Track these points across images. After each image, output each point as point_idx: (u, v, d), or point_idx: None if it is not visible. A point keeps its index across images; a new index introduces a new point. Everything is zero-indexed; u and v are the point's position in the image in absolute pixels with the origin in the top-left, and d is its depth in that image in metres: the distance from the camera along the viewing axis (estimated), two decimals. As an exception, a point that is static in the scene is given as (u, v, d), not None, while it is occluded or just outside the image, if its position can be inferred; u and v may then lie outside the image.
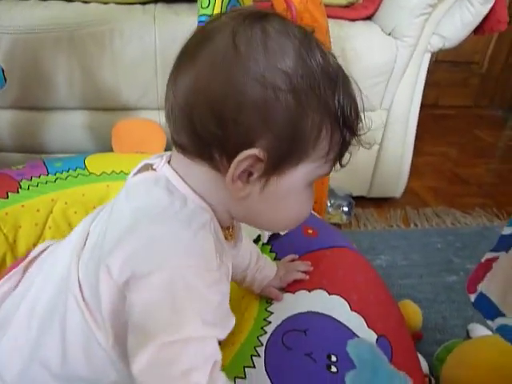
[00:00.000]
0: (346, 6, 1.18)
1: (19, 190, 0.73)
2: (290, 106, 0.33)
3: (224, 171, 0.35)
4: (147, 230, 0.34)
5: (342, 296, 0.54)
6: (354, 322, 0.50)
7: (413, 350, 0.53)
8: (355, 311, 0.52)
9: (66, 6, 1.01)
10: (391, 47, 1.05)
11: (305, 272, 0.57)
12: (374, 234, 1.15)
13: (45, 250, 0.49)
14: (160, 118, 1.02)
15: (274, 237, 0.66)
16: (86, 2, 1.03)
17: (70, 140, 1.07)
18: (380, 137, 1.19)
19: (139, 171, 0.41)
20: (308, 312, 0.51)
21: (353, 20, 1.12)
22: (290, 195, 0.37)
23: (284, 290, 0.56)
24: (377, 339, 0.49)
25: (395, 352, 0.48)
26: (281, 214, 0.39)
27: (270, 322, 0.51)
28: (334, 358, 0.45)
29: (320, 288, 0.55)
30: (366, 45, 1.05)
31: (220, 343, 0.38)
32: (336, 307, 0.52)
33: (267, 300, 0.55)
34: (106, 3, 1.03)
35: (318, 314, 0.51)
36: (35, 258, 0.48)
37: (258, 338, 0.49)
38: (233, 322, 0.38)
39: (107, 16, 0.98)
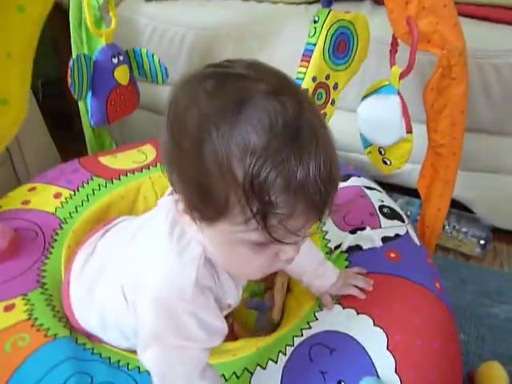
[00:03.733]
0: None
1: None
2: (192, 164, 0.36)
3: None
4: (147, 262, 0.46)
5: (384, 331, 0.54)
6: (383, 361, 0.51)
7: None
8: (390, 351, 0.52)
9: (242, 5, 1.13)
10: None
11: (363, 290, 0.58)
12: (507, 277, 1.01)
13: (116, 224, 0.62)
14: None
15: (356, 248, 0.66)
16: (259, 2, 1.14)
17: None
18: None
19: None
20: (345, 334, 0.54)
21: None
22: (224, 246, 0.40)
23: (338, 299, 0.58)
24: (399, 386, 0.49)
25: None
26: (228, 263, 0.43)
27: (310, 327, 0.56)
28: (342, 387, 0.48)
29: (368, 315, 0.56)
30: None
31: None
32: (373, 340, 0.53)
33: (319, 304, 0.59)
34: (275, 3, 1.12)
35: (352, 339, 0.53)
36: (107, 230, 0.61)
37: (293, 337, 0.55)
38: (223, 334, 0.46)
39: (272, 17, 1.07)
